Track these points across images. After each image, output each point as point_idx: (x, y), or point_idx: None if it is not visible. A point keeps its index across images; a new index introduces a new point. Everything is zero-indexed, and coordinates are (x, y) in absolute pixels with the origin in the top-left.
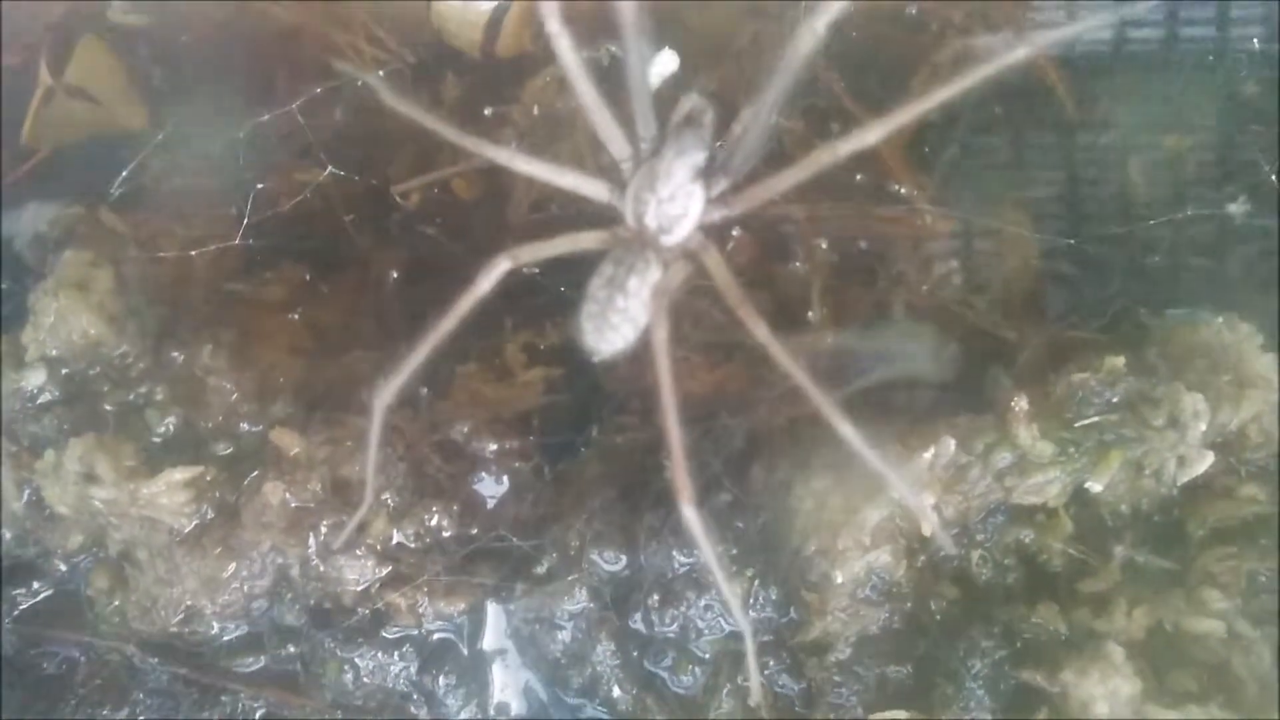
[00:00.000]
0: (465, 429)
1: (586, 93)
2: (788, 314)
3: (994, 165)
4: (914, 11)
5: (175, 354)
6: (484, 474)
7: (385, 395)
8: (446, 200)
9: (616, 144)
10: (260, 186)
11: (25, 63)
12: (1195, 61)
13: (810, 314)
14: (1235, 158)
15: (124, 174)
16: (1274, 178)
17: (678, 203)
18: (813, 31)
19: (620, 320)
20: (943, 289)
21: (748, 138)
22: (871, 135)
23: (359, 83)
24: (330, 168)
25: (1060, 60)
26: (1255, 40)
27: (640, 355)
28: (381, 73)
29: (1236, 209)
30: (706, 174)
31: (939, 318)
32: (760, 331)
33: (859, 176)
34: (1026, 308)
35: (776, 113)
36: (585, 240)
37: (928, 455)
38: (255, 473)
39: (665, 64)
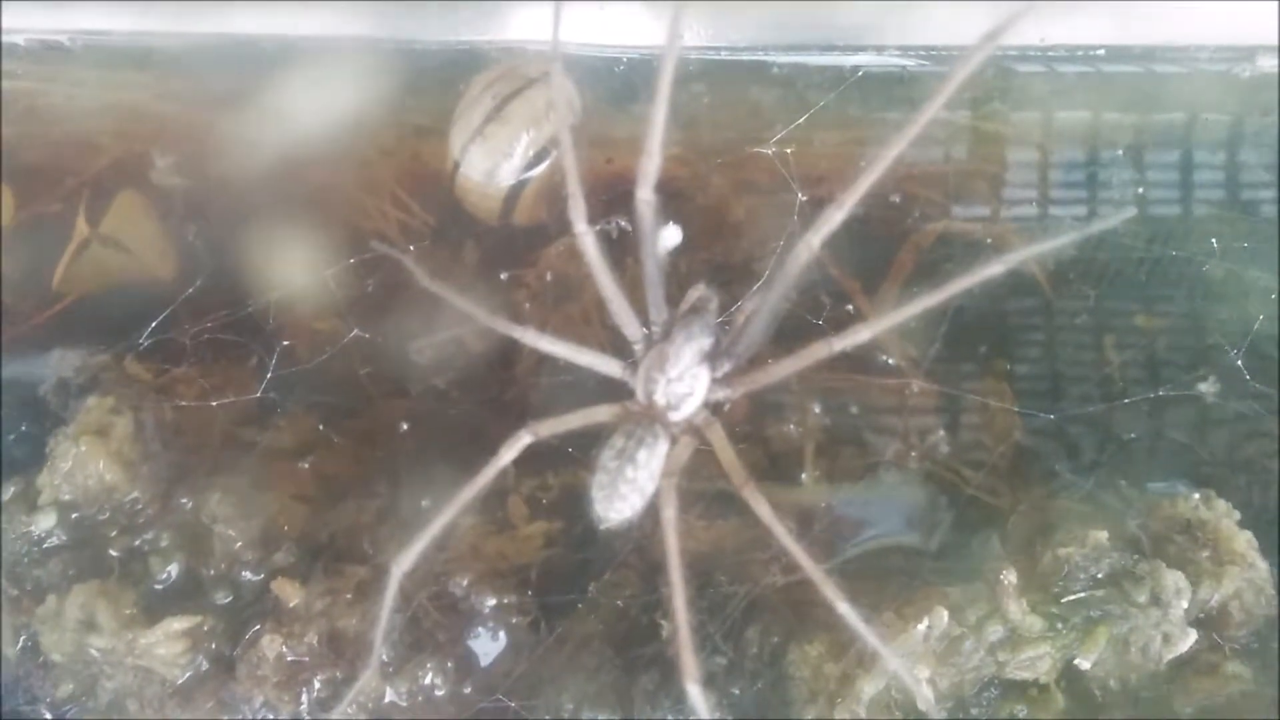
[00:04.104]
0: (464, 582)
1: (606, 284)
2: (780, 472)
3: (977, 338)
4: (897, 199)
5: (184, 500)
6: (480, 629)
7: (404, 563)
8: (458, 353)
9: (630, 327)
10: (285, 344)
11: (63, 211)
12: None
13: (803, 475)
14: (1204, 340)
15: (152, 325)
16: (1239, 363)
17: (685, 383)
18: (808, 246)
19: (629, 490)
20: (931, 456)
21: (750, 328)
22: (863, 334)
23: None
24: (356, 330)
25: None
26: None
27: (645, 515)
28: (413, 247)
29: (1207, 388)
30: (712, 357)
31: (928, 483)
32: (763, 512)
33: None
34: (1012, 476)
35: (777, 311)
36: (599, 414)
37: (922, 627)
38: (257, 625)
39: (670, 238)
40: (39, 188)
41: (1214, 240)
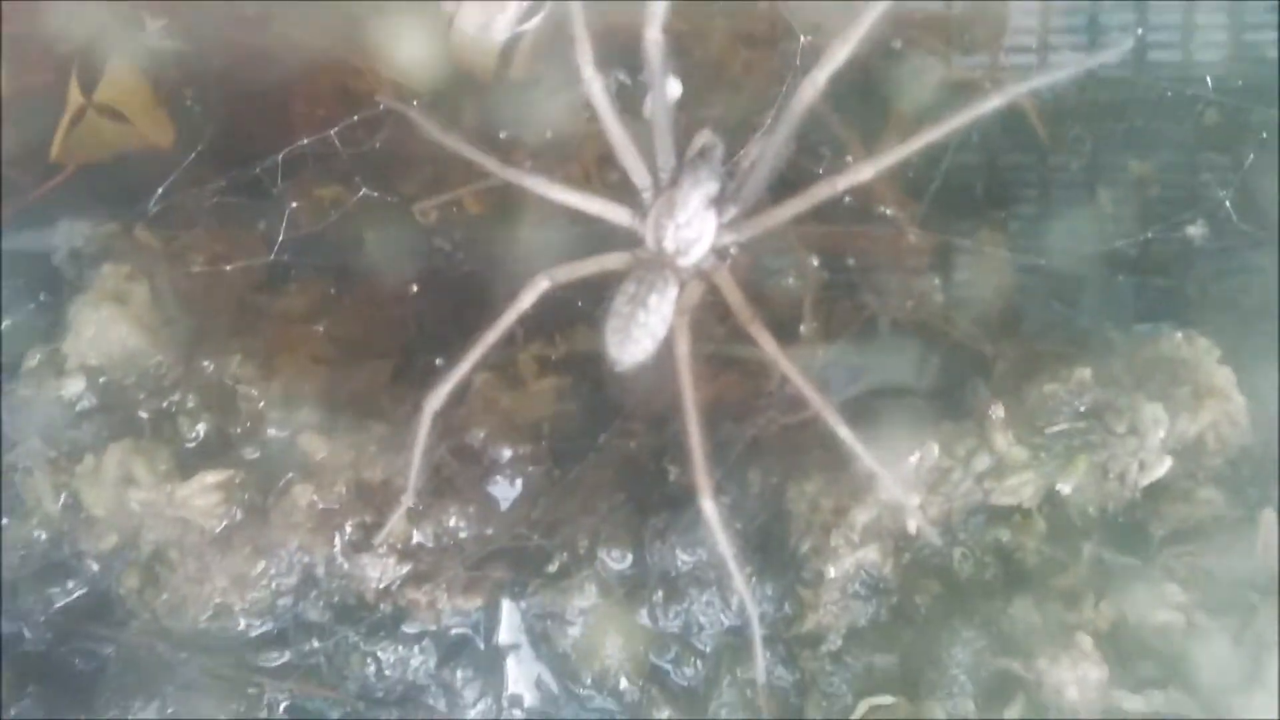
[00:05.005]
0: (481, 435)
1: (615, 131)
2: (779, 326)
3: (973, 188)
4: (898, 45)
5: (206, 363)
6: (499, 478)
7: (434, 400)
8: (460, 216)
9: (639, 175)
10: (295, 205)
11: (56, 81)
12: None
13: (802, 327)
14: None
15: (159, 191)
16: (1228, 204)
17: (693, 228)
18: (813, 83)
19: (641, 334)
20: (925, 305)
21: (755, 172)
22: (865, 172)
23: (381, 107)
24: (364, 189)
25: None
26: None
27: (648, 368)
28: (416, 102)
29: (1195, 231)
30: (719, 202)
31: (922, 332)
32: (768, 344)
33: (848, 199)
34: (1002, 323)
35: (781, 153)
36: (611, 261)
37: (914, 459)
38: (287, 475)
39: (671, 90)
40: (28, 57)
41: (1208, 78)
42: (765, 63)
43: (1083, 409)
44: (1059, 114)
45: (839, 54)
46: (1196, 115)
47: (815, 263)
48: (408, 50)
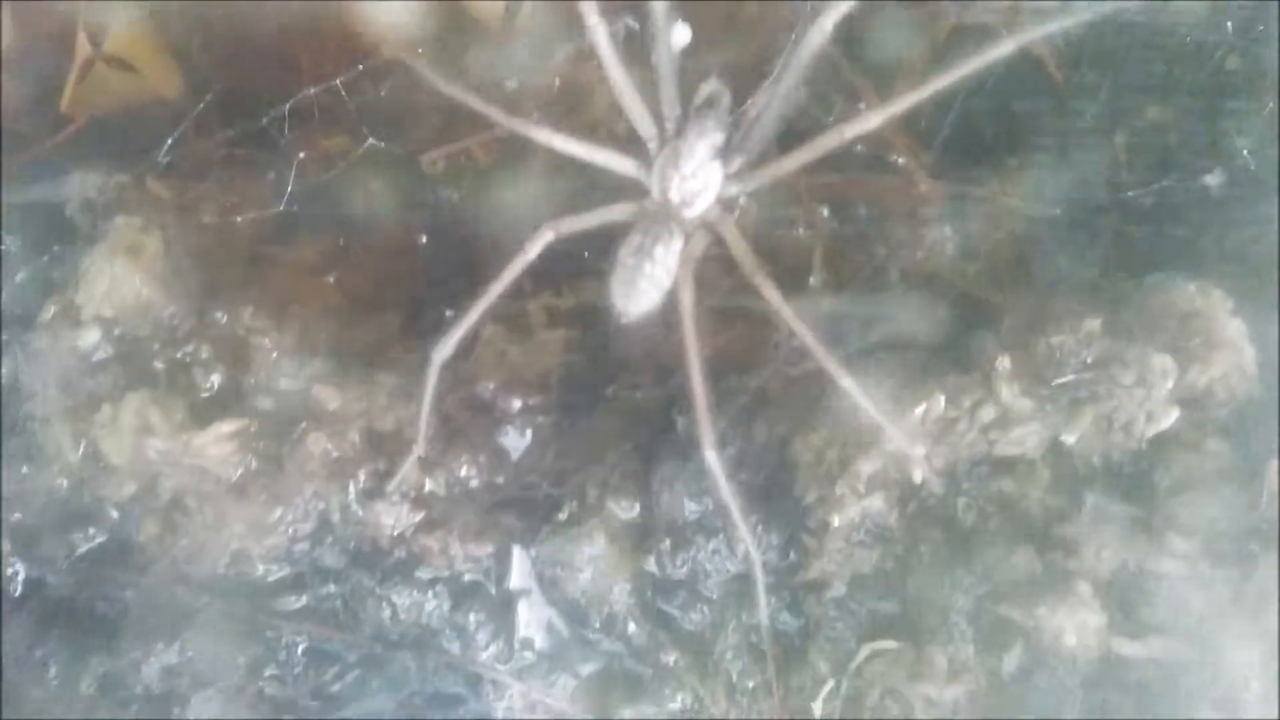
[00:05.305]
0: (491, 387)
1: (620, 80)
2: (789, 277)
3: (986, 136)
4: None
5: (219, 314)
6: (508, 428)
7: (443, 350)
8: (468, 167)
9: (644, 125)
10: (302, 155)
11: (64, 33)
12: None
13: (811, 279)
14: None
15: (169, 142)
16: (1245, 152)
17: (699, 179)
18: (821, 30)
19: (647, 285)
20: (935, 256)
21: (761, 122)
22: (873, 121)
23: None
24: (371, 139)
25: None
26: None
27: (655, 320)
28: (421, 51)
29: (1213, 180)
30: (724, 153)
31: (931, 283)
32: (773, 296)
33: (859, 147)
34: (1012, 274)
35: (788, 102)
36: (616, 213)
37: (919, 410)
38: (301, 425)
39: (679, 37)
40: (36, 9)
41: (1229, 24)
42: (775, 8)
43: (1090, 360)
44: (1076, 60)
45: None
46: (1217, 62)
47: (825, 213)
48: None
